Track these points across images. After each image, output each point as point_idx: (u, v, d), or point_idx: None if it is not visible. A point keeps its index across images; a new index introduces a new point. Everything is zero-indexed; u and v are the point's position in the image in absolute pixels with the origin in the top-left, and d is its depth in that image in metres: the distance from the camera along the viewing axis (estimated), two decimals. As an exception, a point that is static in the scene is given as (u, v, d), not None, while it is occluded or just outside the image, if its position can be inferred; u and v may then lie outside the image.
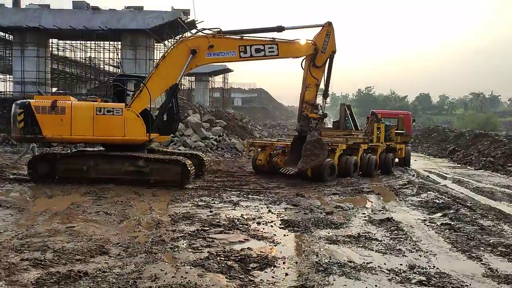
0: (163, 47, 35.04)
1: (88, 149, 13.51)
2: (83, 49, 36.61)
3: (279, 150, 15.75)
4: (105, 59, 38.94)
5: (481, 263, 6.10)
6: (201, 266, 5.38)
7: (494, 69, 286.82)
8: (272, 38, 13.51)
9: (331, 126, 19.14)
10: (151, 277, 4.91)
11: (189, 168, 11.53)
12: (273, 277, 5.11)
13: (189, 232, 7.12)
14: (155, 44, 34.25)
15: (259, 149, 16.13)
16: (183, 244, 6.41)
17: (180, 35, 13.19)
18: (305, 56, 14.34)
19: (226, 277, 5.01)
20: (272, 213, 9.13)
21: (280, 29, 13.65)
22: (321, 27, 14.48)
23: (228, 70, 54.98)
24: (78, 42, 35.52)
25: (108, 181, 11.42)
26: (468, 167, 23.42)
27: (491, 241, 7.41)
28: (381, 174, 17.52)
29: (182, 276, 4.96)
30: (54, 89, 40.66)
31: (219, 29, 13.03)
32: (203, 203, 9.86)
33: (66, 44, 36.45)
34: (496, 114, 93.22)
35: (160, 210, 8.86)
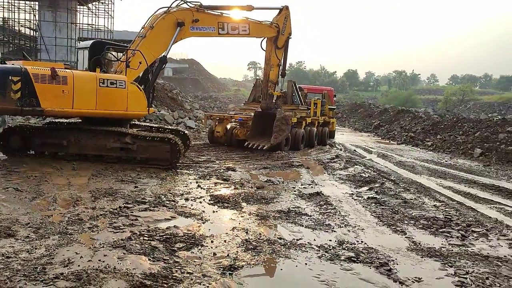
0: (87, 10, 32.68)
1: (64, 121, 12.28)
2: (-5, 8, 33.11)
3: (237, 122, 16.40)
4: (21, 20, 35.62)
5: (405, 237, 6.25)
6: (122, 248, 4.96)
7: (416, 49, 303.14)
8: (246, 17, 14.07)
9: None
10: (64, 262, 4.41)
11: (179, 147, 10.91)
12: (200, 258, 4.83)
13: (111, 209, 6.60)
14: (78, 6, 31.83)
15: (217, 122, 16.69)
16: (103, 223, 5.91)
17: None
18: (265, 38, 15.37)
19: (149, 259, 4.64)
20: (201, 188, 8.82)
21: (249, 8, 14.15)
22: (279, 10, 15.55)
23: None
24: (-12, -1, 32.05)
25: (91, 158, 10.64)
26: (392, 142, 24.55)
27: (413, 214, 7.66)
28: (317, 145, 18.64)
29: (99, 260, 4.52)
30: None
31: (199, 3, 12.77)
32: (128, 178, 9.29)
33: (-26, 1, 32.75)
34: (415, 92, 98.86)
35: (80, 186, 8.19)
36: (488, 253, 5.70)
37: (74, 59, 26.89)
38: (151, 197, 7.62)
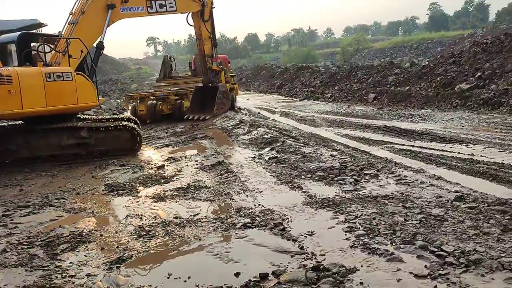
0: None
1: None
2: None
3: (160, 98, 17.53)
4: None
5: (302, 192, 6.33)
6: (-5, 263, 4.42)
7: (310, 5, 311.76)
8: None
9: (190, 74, 22.67)
10: None
11: (139, 133, 10.74)
12: (85, 256, 4.46)
13: (-14, 222, 5.90)
14: None
15: (139, 101, 17.45)
16: (-25, 239, 5.25)
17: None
18: (190, 13, 15.42)
19: (25, 270, 4.18)
20: (95, 178, 8.27)
21: None
22: None
23: (40, 25, 48.38)
24: None
25: (46, 160, 9.86)
26: (294, 99, 25.16)
27: (311, 167, 7.81)
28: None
29: (-38, 284, 3.98)
30: None
31: None
32: (13, 181, 8.43)
33: None
34: (315, 47, 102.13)
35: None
36: (377, 193, 5.96)
37: None
38: (36, 199, 6.96)
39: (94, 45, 11.79)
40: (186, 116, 16.34)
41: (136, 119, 12.87)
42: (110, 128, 10.54)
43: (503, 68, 15.03)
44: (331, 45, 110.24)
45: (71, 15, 11.41)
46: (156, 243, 4.68)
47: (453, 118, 12.69)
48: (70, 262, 4.33)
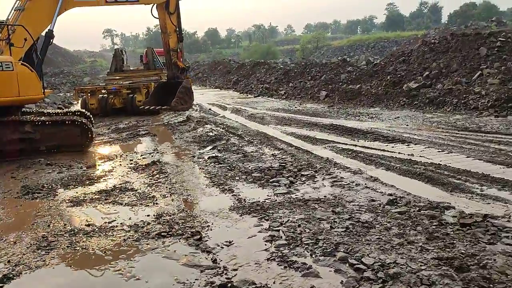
0: None
1: None
2: None
3: (112, 92, 17.02)
4: None
5: (232, 195, 5.94)
6: None
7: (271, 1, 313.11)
8: None
9: (142, 68, 22.00)
10: None
11: (90, 128, 10.21)
12: (-33, 274, 3.88)
13: None
14: None
15: (89, 94, 16.90)
16: None
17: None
18: (155, 4, 13.85)
19: None
20: (14, 179, 7.56)
21: None
22: None
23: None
24: None
25: None
26: (249, 95, 24.76)
27: (249, 168, 7.44)
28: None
29: None
30: None
31: None
32: None
33: None
34: (275, 44, 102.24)
35: None
36: (309, 197, 5.65)
37: None
38: None
39: (43, 34, 10.94)
40: (142, 106, 15.82)
41: (88, 113, 12.12)
42: (57, 122, 9.92)
43: (449, 68, 15.24)
44: (291, 42, 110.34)
45: (18, 0, 10.40)
46: (53, 256, 4.15)
47: (399, 117, 12.68)
48: None
